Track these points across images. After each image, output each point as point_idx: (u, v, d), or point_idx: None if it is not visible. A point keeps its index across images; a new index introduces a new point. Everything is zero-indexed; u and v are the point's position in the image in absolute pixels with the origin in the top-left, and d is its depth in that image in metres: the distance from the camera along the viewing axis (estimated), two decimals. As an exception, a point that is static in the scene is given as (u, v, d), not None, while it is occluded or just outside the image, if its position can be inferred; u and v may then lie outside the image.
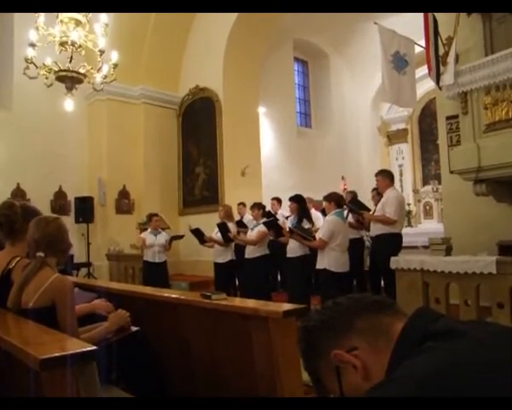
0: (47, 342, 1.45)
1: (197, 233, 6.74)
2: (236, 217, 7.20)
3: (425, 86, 9.97)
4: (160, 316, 2.66)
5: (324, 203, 5.56)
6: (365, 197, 6.66)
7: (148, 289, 3.02)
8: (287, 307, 2.02)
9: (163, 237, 7.02)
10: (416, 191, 12.08)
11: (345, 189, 10.18)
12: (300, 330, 0.95)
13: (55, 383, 1.26)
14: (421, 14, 5.02)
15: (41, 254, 2.03)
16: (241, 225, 6.79)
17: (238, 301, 2.29)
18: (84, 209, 8.58)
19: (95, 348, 1.35)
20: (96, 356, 1.36)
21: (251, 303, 2.17)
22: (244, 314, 2.07)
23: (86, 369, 1.34)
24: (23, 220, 2.36)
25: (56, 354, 1.25)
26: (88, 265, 8.41)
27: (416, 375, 0.66)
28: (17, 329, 1.74)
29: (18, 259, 2.24)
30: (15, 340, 1.45)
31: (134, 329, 2.21)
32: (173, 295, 2.55)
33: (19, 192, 8.07)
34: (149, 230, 7.09)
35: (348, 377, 0.84)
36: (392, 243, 5.03)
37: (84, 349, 1.33)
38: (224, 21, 8.58)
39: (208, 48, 9.07)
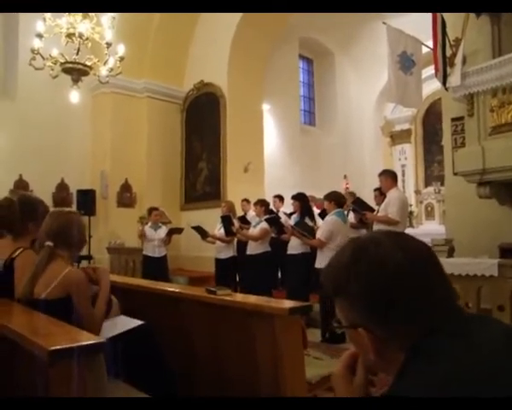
0: (56, 333, 1.46)
1: (199, 230, 6.73)
2: (240, 213, 7.20)
3: (430, 87, 9.93)
4: (162, 310, 2.65)
5: (325, 203, 5.56)
6: (367, 197, 6.65)
7: (152, 283, 3.02)
8: (292, 304, 2.03)
9: (162, 232, 7.02)
10: (417, 192, 12.08)
11: (347, 188, 10.20)
12: (360, 270, 0.79)
13: (63, 375, 1.26)
14: (429, 14, 5.00)
15: (50, 243, 2.04)
16: (244, 221, 6.78)
17: (243, 298, 2.29)
18: (86, 202, 8.56)
19: (103, 340, 1.35)
20: (103, 348, 1.36)
21: (256, 300, 2.17)
22: (248, 311, 2.07)
23: (94, 361, 1.34)
24: (22, 219, 2.34)
25: (65, 346, 1.26)
26: (89, 258, 8.41)
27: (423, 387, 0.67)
28: (27, 320, 1.75)
29: (21, 249, 2.25)
30: (24, 330, 1.46)
31: (139, 323, 2.21)
32: (177, 290, 2.56)
33: (21, 183, 8.06)
34: (149, 224, 7.09)
35: (358, 337, 0.81)
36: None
37: (93, 341, 1.34)
38: (231, 17, 8.55)
39: (214, 43, 9.04)
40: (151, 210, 7.27)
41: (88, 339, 1.37)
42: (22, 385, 1.58)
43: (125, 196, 9.23)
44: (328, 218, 5.19)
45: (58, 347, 1.24)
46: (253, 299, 2.22)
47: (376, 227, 5.34)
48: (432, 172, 12.21)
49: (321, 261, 5.10)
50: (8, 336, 1.53)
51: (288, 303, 2.07)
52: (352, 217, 6.06)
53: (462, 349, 0.70)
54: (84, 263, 8.39)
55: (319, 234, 5.13)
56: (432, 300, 0.77)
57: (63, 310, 1.88)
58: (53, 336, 1.38)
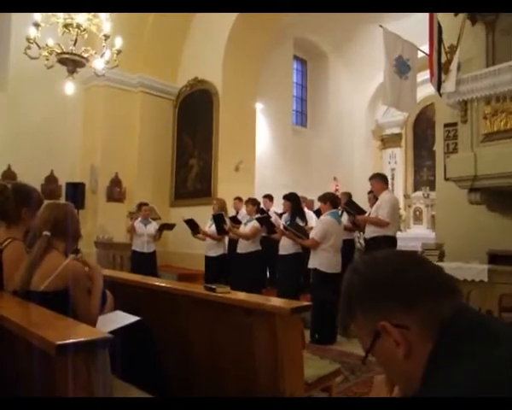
0: (60, 327, 1.44)
1: (191, 224, 6.67)
2: (232, 212, 7.17)
3: (422, 92, 10.01)
4: (158, 307, 2.63)
5: (320, 204, 5.58)
6: (357, 199, 6.69)
7: (149, 279, 2.99)
8: (294, 303, 2.03)
9: (152, 227, 6.98)
10: (406, 196, 12.20)
11: (336, 190, 10.25)
12: (361, 271, 0.86)
13: (69, 369, 1.24)
14: (424, 19, 5.06)
15: (47, 233, 2.02)
16: (235, 221, 6.76)
17: (243, 296, 2.28)
18: (75, 195, 8.42)
19: (109, 335, 1.33)
20: (108, 344, 1.34)
21: (257, 298, 2.17)
22: (248, 309, 2.06)
23: (99, 356, 1.32)
24: (15, 205, 2.30)
25: (73, 340, 1.24)
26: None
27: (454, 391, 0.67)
28: (25, 312, 1.72)
29: (10, 240, 2.21)
30: (27, 323, 1.43)
31: (135, 318, 2.18)
32: (177, 287, 2.54)
33: (9, 174, 7.92)
34: (139, 219, 7.03)
35: (384, 344, 0.82)
36: (386, 245, 5.07)
37: (100, 337, 1.32)
38: (226, 15, 8.51)
39: (209, 41, 9.01)
40: (141, 205, 7.22)
41: (94, 334, 1.35)
42: (24, 376, 1.55)
43: (115, 191, 9.13)
44: (322, 218, 5.21)
45: (66, 341, 1.22)
46: (253, 297, 2.21)
47: (368, 229, 5.39)
48: (421, 177, 12.36)
49: (314, 262, 5.12)
50: (7, 328, 1.51)
51: (289, 302, 2.07)
52: (345, 219, 6.11)
53: (490, 347, 0.70)
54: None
55: (313, 234, 5.14)
56: (441, 289, 0.82)
57: (61, 303, 1.85)
58: (58, 330, 1.36)
